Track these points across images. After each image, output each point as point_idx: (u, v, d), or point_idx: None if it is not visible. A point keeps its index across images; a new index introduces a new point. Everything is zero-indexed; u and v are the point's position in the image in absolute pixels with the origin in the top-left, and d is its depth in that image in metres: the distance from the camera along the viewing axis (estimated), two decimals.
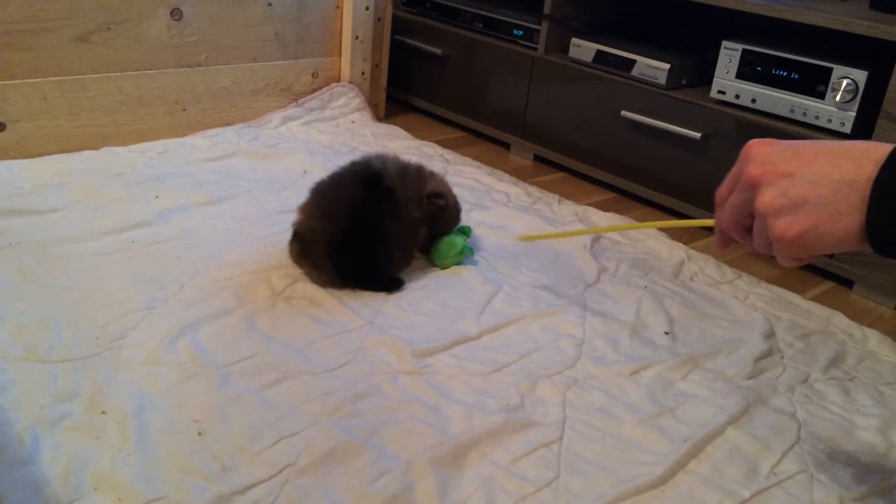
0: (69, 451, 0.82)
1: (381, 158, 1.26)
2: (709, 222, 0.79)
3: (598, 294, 1.29)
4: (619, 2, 1.94)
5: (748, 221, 0.66)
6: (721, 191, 0.68)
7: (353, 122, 1.99)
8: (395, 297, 1.20)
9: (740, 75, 1.54)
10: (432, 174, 1.33)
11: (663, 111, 1.65)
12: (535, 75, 1.89)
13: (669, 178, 1.68)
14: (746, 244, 0.68)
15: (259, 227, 1.36)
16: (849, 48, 1.51)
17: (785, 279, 1.46)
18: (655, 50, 1.73)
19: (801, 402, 1.07)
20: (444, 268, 1.32)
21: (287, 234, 1.22)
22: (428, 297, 1.22)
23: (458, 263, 1.32)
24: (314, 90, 2.01)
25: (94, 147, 1.63)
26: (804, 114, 1.46)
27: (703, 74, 1.69)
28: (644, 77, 1.68)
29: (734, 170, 0.67)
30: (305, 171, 1.62)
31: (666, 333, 1.19)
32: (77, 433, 0.85)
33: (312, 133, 1.88)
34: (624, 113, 1.71)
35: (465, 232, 1.39)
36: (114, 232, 1.29)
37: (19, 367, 0.95)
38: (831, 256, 1.45)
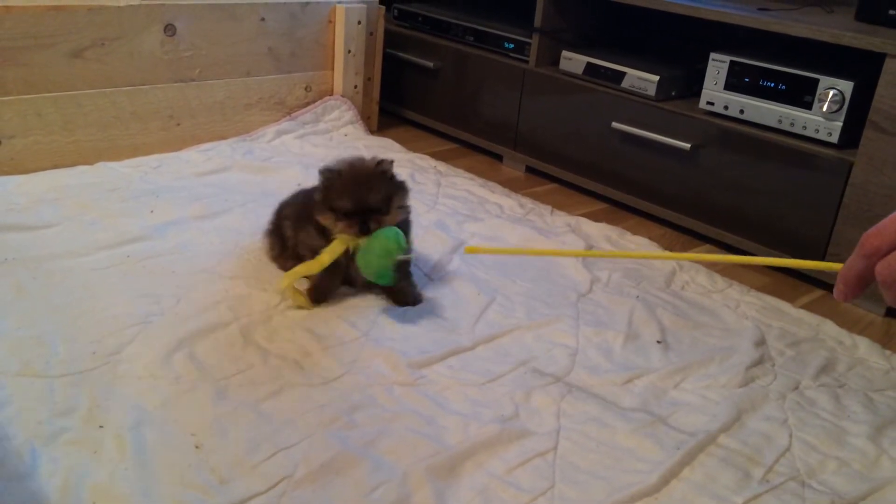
0: (67, 466, 0.83)
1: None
2: (828, 266, 0.63)
3: (591, 304, 1.30)
4: (608, 15, 1.97)
5: None
6: (879, 236, 0.52)
7: (346, 135, 2.00)
8: (390, 309, 1.21)
9: (728, 86, 1.56)
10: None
11: (653, 122, 1.67)
12: (526, 88, 1.91)
13: (660, 188, 1.69)
14: None
15: (254, 240, 1.37)
16: (835, 59, 1.53)
17: (775, 287, 1.47)
18: (645, 62, 1.75)
19: (793, 409, 1.08)
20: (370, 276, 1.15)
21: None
22: (422, 309, 1.23)
23: (388, 275, 1.14)
24: (307, 104, 2.02)
25: (89, 162, 1.64)
26: (791, 124, 1.48)
27: (692, 86, 1.71)
28: (634, 89, 1.70)
29: None
30: (300, 184, 1.63)
31: (658, 342, 1.20)
32: (75, 448, 0.86)
33: (306, 146, 1.89)
34: (614, 124, 1.72)
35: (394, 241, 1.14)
36: (109, 247, 1.30)
37: (16, 382, 0.95)
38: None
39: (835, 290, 0.55)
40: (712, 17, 1.54)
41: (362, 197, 1.15)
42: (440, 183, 1.77)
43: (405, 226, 1.22)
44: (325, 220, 1.17)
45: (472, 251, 1.18)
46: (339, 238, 1.16)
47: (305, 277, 1.20)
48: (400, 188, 1.21)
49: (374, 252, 1.12)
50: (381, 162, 1.19)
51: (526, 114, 1.93)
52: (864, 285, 0.54)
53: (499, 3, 2.36)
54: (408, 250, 1.19)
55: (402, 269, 1.24)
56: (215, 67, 1.81)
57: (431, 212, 1.60)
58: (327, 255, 1.16)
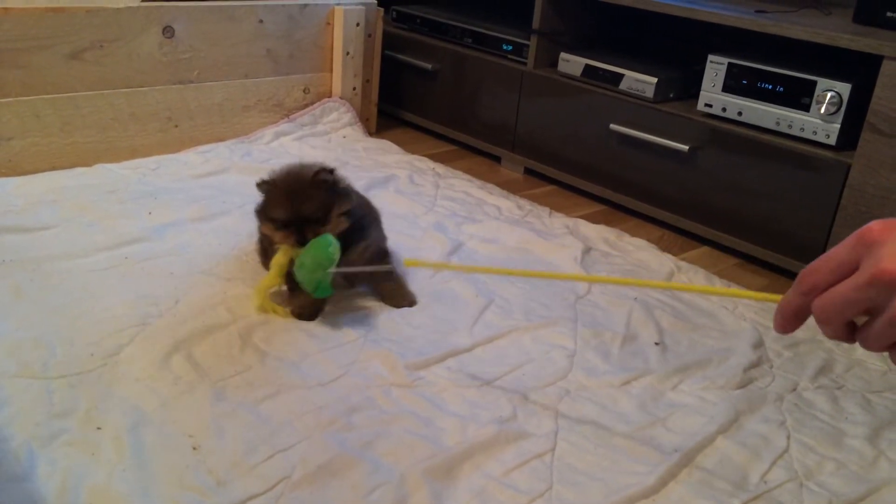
0: (65, 468, 0.83)
1: None
2: (770, 297, 0.64)
3: (589, 306, 1.30)
4: (606, 17, 1.97)
5: (858, 316, 0.53)
6: (816, 274, 0.53)
7: (344, 136, 2.00)
8: (389, 311, 1.21)
9: (726, 88, 1.56)
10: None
11: (651, 124, 1.67)
12: (524, 89, 1.91)
13: (658, 190, 1.69)
14: (840, 336, 0.54)
15: (252, 242, 1.37)
16: (833, 61, 1.53)
17: (774, 289, 1.47)
18: (643, 64, 1.75)
19: (790, 410, 1.08)
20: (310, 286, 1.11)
21: None
22: (420, 310, 1.23)
23: (321, 286, 1.10)
24: (306, 106, 2.02)
25: (87, 164, 1.64)
26: (790, 126, 1.48)
27: (690, 88, 1.71)
28: (632, 90, 1.70)
29: (842, 253, 0.51)
30: None
31: (656, 344, 1.21)
32: (73, 449, 0.86)
33: (304, 148, 1.89)
34: (612, 126, 1.73)
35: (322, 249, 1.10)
36: (107, 248, 1.30)
37: (14, 383, 0.95)
38: None
39: (773, 323, 0.58)
40: (710, 19, 1.55)
41: (297, 207, 1.12)
42: (438, 185, 1.77)
43: (359, 232, 1.18)
44: (267, 229, 1.17)
45: (412, 264, 1.19)
46: (282, 249, 1.14)
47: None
48: (342, 196, 1.17)
49: (306, 266, 1.09)
50: (319, 171, 1.15)
51: (524, 116, 1.93)
52: (803, 319, 0.56)
53: (497, 4, 2.37)
54: (388, 260, 1.17)
55: (387, 274, 1.23)
56: (214, 69, 1.81)
57: (430, 213, 1.60)
58: (275, 268, 1.15)
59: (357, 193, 1.26)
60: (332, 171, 1.17)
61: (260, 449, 0.89)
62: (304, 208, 1.12)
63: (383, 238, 1.29)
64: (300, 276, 1.10)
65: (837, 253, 0.52)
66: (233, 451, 0.88)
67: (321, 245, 1.10)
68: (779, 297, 0.58)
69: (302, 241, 1.12)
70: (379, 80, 2.15)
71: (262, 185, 1.16)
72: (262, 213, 1.18)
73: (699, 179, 1.62)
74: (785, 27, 1.44)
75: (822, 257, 0.53)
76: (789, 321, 0.56)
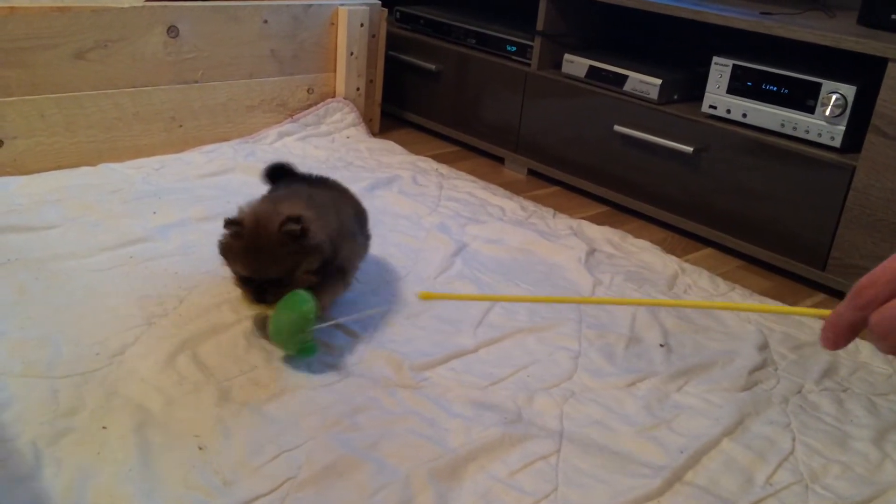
0: (71, 467, 0.83)
1: None
2: (817, 312, 0.62)
3: (593, 307, 1.30)
4: (611, 18, 1.97)
5: None
6: (874, 287, 0.51)
7: (348, 137, 2.00)
8: (393, 311, 1.21)
9: (731, 90, 1.56)
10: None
11: (655, 126, 1.67)
12: (528, 90, 1.91)
13: (662, 191, 1.69)
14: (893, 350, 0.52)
15: None
16: (838, 64, 1.53)
17: (778, 291, 1.47)
18: (647, 65, 1.75)
19: (795, 413, 1.08)
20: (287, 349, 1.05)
21: None
22: (425, 311, 1.23)
23: (303, 346, 1.03)
24: (309, 106, 2.02)
25: (92, 163, 1.64)
26: (794, 128, 1.48)
27: (695, 89, 1.71)
28: (636, 92, 1.70)
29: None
30: None
31: (661, 346, 1.20)
32: (78, 448, 0.86)
33: (308, 148, 1.89)
34: (617, 127, 1.73)
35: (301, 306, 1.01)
36: (112, 248, 1.30)
37: (20, 383, 0.95)
38: (824, 268, 1.46)
39: (822, 339, 0.55)
40: (715, 21, 1.55)
41: (260, 268, 1.03)
42: (442, 185, 1.77)
43: (333, 272, 1.10)
44: (226, 268, 1.09)
45: (427, 297, 1.04)
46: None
47: None
48: (312, 251, 1.04)
49: (283, 331, 1.01)
50: (284, 222, 1.01)
51: (528, 117, 1.93)
52: (857, 333, 0.53)
53: (501, 5, 2.37)
54: (327, 316, 1.08)
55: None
56: (218, 69, 1.81)
57: (433, 214, 1.60)
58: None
59: (341, 191, 1.27)
60: (298, 220, 1.02)
61: (265, 449, 0.89)
62: (268, 270, 1.03)
63: (357, 253, 1.20)
64: (278, 340, 1.03)
65: (893, 264, 0.50)
66: (238, 452, 0.88)
67: (295, 305, 1.00)
68: (828, 312, 0.55)
69: (261, 301, 1.04)
70: (382, 80, 2.15)
71: (228, 225, 1.04)
72: (223, 254, 1.07)
73: (703, 181, 1.62)
74: (790, 29, 1.43)
75: (878, 269, 0.51)
76: (842, 336, 0.54)
